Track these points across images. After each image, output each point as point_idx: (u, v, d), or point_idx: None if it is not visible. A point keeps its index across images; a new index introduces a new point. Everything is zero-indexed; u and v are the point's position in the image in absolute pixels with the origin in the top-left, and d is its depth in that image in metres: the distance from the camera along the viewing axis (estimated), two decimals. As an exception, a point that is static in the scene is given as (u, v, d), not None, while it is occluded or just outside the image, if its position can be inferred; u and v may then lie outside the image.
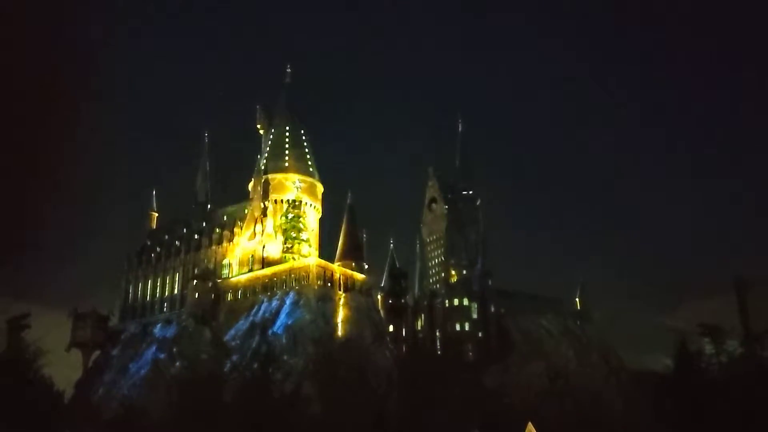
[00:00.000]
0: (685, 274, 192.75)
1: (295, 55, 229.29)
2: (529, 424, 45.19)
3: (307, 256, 75.54)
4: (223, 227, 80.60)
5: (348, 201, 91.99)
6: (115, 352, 76.84)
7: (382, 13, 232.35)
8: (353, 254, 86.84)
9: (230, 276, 76.93)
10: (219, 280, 76.30)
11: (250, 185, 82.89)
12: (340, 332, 66.04)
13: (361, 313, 69.23)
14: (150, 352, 71.92)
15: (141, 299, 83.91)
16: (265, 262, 76.46)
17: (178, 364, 65.01)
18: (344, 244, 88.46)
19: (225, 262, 78.47)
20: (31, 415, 35.19)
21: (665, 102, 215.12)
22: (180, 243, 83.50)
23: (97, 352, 77.12)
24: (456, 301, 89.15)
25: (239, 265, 77.30)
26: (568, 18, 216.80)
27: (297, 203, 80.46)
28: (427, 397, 56.51)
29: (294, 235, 78.62)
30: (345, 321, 67.60)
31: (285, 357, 60.37)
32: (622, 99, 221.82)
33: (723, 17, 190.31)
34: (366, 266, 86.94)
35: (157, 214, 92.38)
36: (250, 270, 75.99)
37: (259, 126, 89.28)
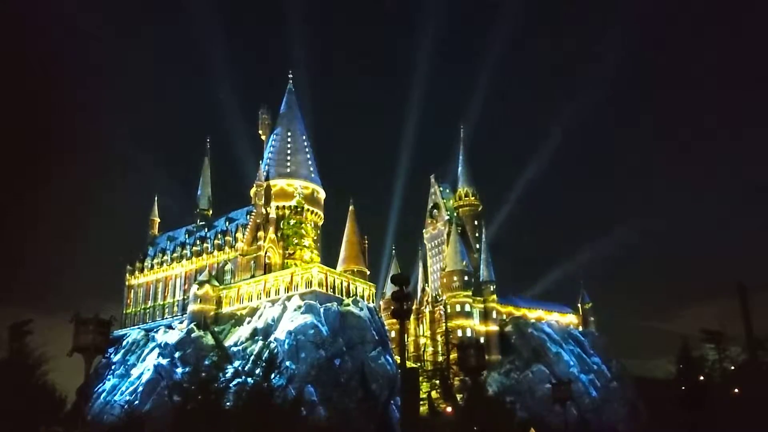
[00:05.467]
0: (685, 278, 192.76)
1: (296, 60, 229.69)
2: (532, 430, 45.16)
3: (309, 262, 75.53)
4: (224, 233, 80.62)
5: (350, 207, 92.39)
6: (117, 357, 76.88)
7: (383, 15, 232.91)
8: (355, 260, 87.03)
9: (232, 282, 76.93)
10: (221, 286, 76.31)
11: (252, 191, 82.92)
12: (341, 338, 66.01)
13: (362, 318, 69.22)
14: (152, 358, 71.90)
15: (143, 305, 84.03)
16: (267, 268, 76.50)
17: (180, 369, 64.97)
18: (346, 249, 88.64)
19: (227, 267, 78.46)
20: (33, 421, 35.20)
21: (663, 103, 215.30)
22: (182, 249, 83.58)
23: (99, 358, 76.95)
24: (458, 307, 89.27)
25: (241, 271, 77.26)
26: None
27: (299, 209, 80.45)
28: (430, 403, 56.52)
29: (296, 241, 78.62)
30: (347, 327, 67.55)
31: (287, 363, 60.38)
32: (623, 98, 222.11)
33: None
34: (368, 272, 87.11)
35: (158, 220, 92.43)
36: (252, 276, 76.00)
37: (260, 132, 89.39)
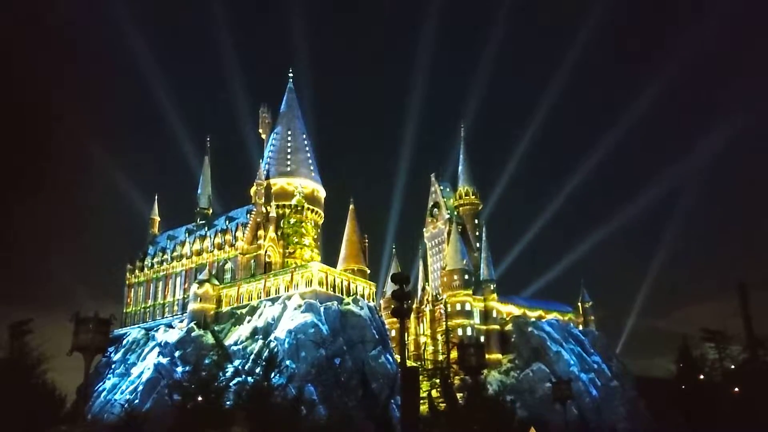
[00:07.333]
0: (685, 277, 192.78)
1: (297, 59, 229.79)
2: (532, 429, 45.07)
3: (309, 261, 75.51)
4: (224, 232, 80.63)
5: (350, 206, 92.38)
6: (117, 356, 76.89)
7: (383, 15, 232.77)
8: (355, 259, 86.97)
9: (232, 281, 76.92)
10: (221, 285, 76.30)
11: (252, 190, 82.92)
12: (342, 337, 66.00)
13: (363, 317, 69.22)
14: (152, 357, 71.91)
15: (143, 304, 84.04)
16: (267, 267, 76.49)
17: (180, 368, 64.96)
18: (346, 248, 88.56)
19: (227, 266, 78.47)
20: (33, 421, 35.15)
21: (662, 102, 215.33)
22: (182, 248, 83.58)
23: (99, 357, 77.05)
24: (458, 306, 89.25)
25: (241, 270, 77.29)
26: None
27: (299, 208, 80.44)
28: (430, 403, 56.42)
29: (296, 240, 78.63)
30: (347, 326, 67.54)
31: (287, 362, 60.36)
32: (624, 98, 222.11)
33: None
34: (368, 271, 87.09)
35: (159, 220, 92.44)
36: (252, 275, 76.00)
37: (261, 131, 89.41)
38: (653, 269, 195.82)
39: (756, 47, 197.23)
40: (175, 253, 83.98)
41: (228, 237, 79.79)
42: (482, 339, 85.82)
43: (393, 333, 78.72)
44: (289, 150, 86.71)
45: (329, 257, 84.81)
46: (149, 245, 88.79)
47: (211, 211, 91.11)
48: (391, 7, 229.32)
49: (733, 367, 42.75)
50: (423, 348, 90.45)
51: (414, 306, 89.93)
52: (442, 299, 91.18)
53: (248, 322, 70.47)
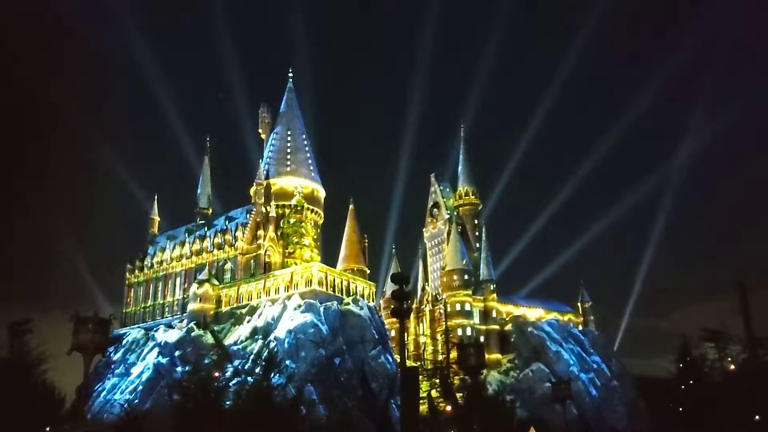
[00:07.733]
0: (685, 277, 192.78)
1: (297, 59, 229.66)
2: (532, 429, 45.09)
3: (309, 261, 75.47)
4: (224, 232, 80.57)
5: (350, 206, 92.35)
6: (117, 356, 76.82)
7: (383, 15, 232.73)
8: (355, 259, 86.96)
9: (232, 281, 76.87)
10: (221, 285, 76.25)
11: (252, 190, 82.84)
12: (341, 337, 65.96)
13: (362, 317, 69.18)
14: (152, 357, 71.85)
15: (143, 304, 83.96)
16: (267, 267, 76.44)
17: (179, 368, 64.92)
18: (346, 248, 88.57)
19: (227, 266, 78.42)
20: (33, 421, 35.18)
21: (662, 101, 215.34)
22: (181, 248, 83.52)
23: (99, 357, 77.02)
24: (458, 306, 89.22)
25: (241, 270, 77.24)
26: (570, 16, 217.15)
27: (299, 208, 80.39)
28: (430, 403, 56.44)
29: (296, 240, 78.55)
30: (347, 326, 67.51)
31: (287, 362, 60.31)
32: (625, 97, 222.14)
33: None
34: (368, 271, 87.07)
35: (158, 219, 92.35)
36: (252, 275, 75.96)
37: (260, 130, 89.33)
38: (652, 268, 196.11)
39: (755, 45, 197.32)
40: (174, 253, 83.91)
41: (228, 237, 79.72)
42: (482, 339, 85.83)
43: (393, 333, 78.68)
44: (288, 150, 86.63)
45: (329, 257, 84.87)
46: (149, 245, 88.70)
47: (210, 211, 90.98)
48: (391, 7, 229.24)
49: (733, 367, 42.79)
50: (423, 348, 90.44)
51: (414, 306, 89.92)
52: (441, 299, 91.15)
53: (248, 322, 70.42)
